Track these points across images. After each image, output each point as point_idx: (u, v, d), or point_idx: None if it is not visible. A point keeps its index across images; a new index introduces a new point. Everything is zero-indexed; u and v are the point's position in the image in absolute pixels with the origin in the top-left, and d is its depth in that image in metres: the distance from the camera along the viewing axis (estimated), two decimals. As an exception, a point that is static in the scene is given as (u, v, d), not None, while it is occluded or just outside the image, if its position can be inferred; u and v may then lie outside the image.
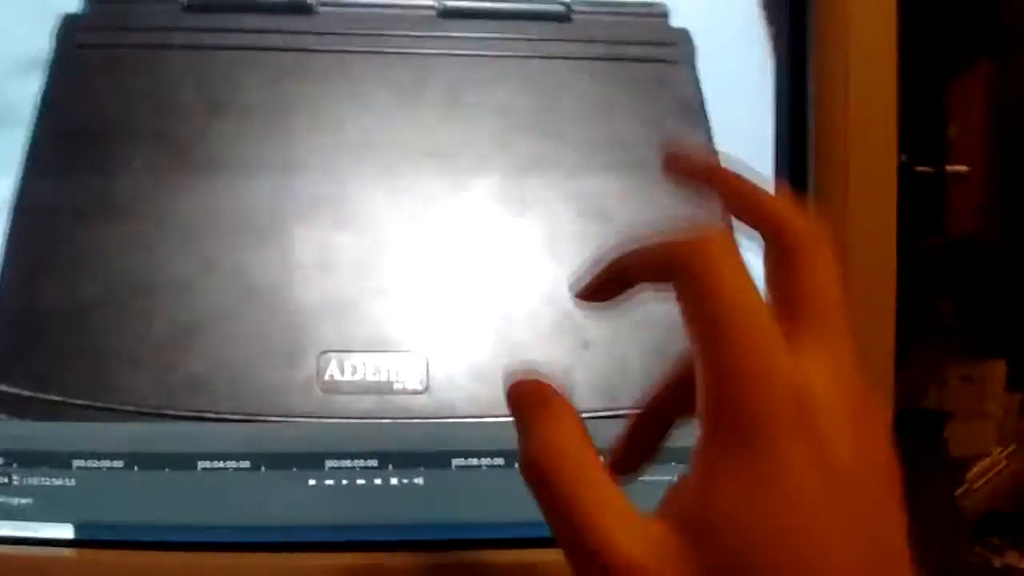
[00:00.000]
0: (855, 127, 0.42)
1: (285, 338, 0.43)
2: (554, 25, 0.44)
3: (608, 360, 0.43)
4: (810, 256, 0.24)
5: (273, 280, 0.43)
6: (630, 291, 0.26)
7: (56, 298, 0.43)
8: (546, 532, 0.22)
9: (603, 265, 0.27)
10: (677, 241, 0.24)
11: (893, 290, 0.43)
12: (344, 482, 0.43)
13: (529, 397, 0.25)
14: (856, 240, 0.42)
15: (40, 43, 0.44)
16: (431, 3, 0.44)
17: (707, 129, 0.43)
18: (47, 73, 0.44)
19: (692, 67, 0.44)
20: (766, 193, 0.26)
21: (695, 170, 0.28)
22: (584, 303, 0.27)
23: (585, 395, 0.43)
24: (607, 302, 0.27)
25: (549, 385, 0.25)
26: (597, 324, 0.43)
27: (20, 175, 0.44)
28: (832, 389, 0.22)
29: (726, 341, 0.21)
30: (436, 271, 0.43)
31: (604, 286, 0.27)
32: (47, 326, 0.43)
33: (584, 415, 0.24)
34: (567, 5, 0.44)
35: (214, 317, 0.42)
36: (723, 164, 0.29)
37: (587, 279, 0.27)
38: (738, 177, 0.27)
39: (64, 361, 0.43)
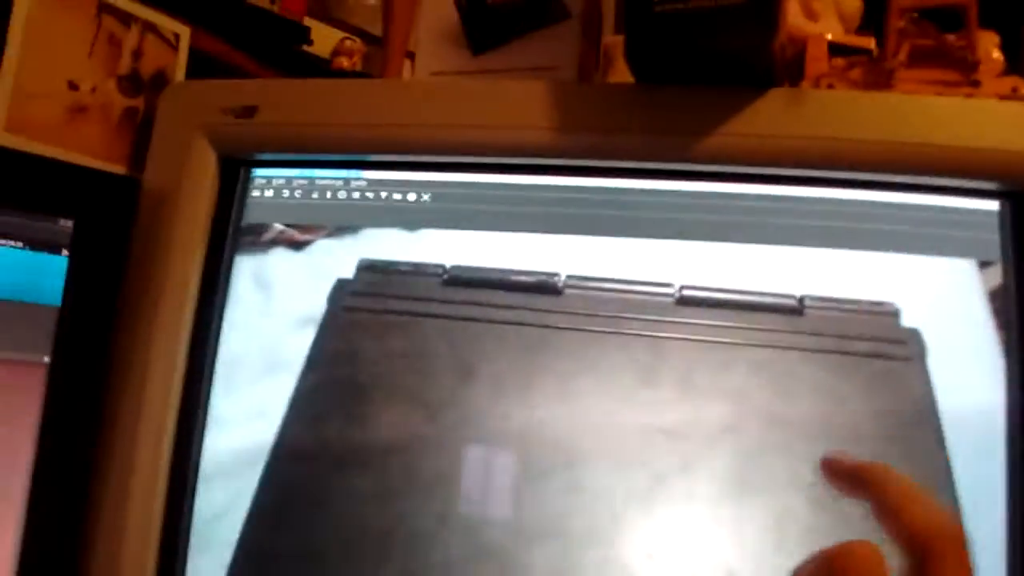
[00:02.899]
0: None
1: None
2: (786, 317, 0.46)
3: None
4: (939, 561, 0.25)
5: (504, 543, 0.45)
6: (857, 500, 0.28)
7: (298, 540, 0.47)
8: None
9: (865, 469, 0.29)
10: (925, 521, 0.27)
11: None
12: None
13: None
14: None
15: (317, 302, 0.50)
16: (670, 291, 0.47)
17: (938, 427, 0.44)
18: (318, 330, 0.49)
19: (923, 365, 0.45)
20: (910, 501, 0.28)
21: (850, 474, 0.29)
22: (825, 472, 0.31)
23: None
24: (837, 489, 0.30)
25: None
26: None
27: (282, 420, 0.49)
28: None
29: None
30: (661, 549, 0.44)
31: (848, 479, 0.30)
32: (287, 565, 0.46)
33: None
34: (800, 299, 0.46)
35: (445, 572, 0.45)
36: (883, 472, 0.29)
37: (845, 462, 0.30)
38: (889, 484, 0.28)
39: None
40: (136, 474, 0.48)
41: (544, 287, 0.48)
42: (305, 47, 0.71)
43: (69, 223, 0.49)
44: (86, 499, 0.49)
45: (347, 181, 0.53)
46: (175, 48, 0.59)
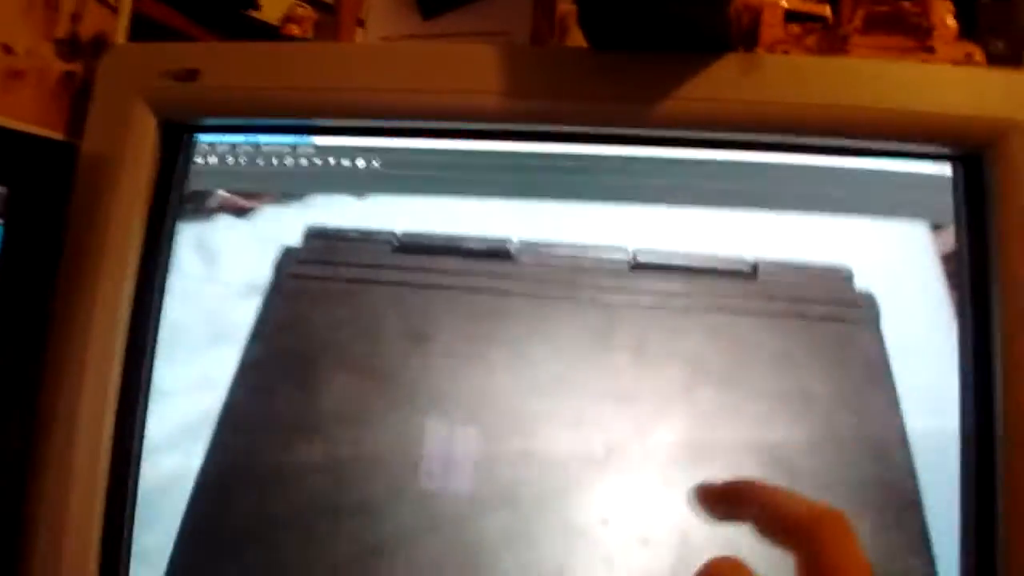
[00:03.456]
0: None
1: (465, 568, 0.43)
2: (741, 282, 0.46)
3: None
4: (828, 543, 0.26)
5: (457, 511, 0.44)
6: (737, 522, 0.29)
7: (247, 512, 0.45)
8: None
9: (734, 487, 0.28)
10: (804, 513, 0.27)
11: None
12: None
13: None
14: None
15: (263, 270, 0.48)
16: (624, 257, 0.46)
17: (892, 388, 0.44)
18: (264, 298, 0.48)
19: (877, 327, 0.45)
20: (785, 498, 0.29)
21: (722, 495, 0.29)
22: (696, 502, 0.30)
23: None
24: (714, 516, 0.30)
25: None
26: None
27: (228, 391, 0.47)
28: None
29: None
30: (615, 514, 0.44)
31: (722, 502, 0.30)
32: (236, 539, 0.45)
33: None
34: (754, 264, 0.46)
35: (398, 543, 0.44)
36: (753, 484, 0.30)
37: (714, 486, 0.30)
38: (763, 492, 0.29)
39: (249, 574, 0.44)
40: (77, 447, 0.47)
41: (497, 253, 0.47)
42: (253, 12, 0.69)
43: (3, 190, 0.47)
44: (26, 472, 0.47)
45: (294, 147, 0.51)
46: (115, 11, 0.57)
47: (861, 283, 0.45)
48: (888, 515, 0.42)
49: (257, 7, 0.69)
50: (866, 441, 0.43)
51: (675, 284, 0.46)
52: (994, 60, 0.57)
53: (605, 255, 0.47)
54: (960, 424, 0.44)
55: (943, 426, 0.43)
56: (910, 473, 0.42)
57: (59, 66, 0.54)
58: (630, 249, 0.46)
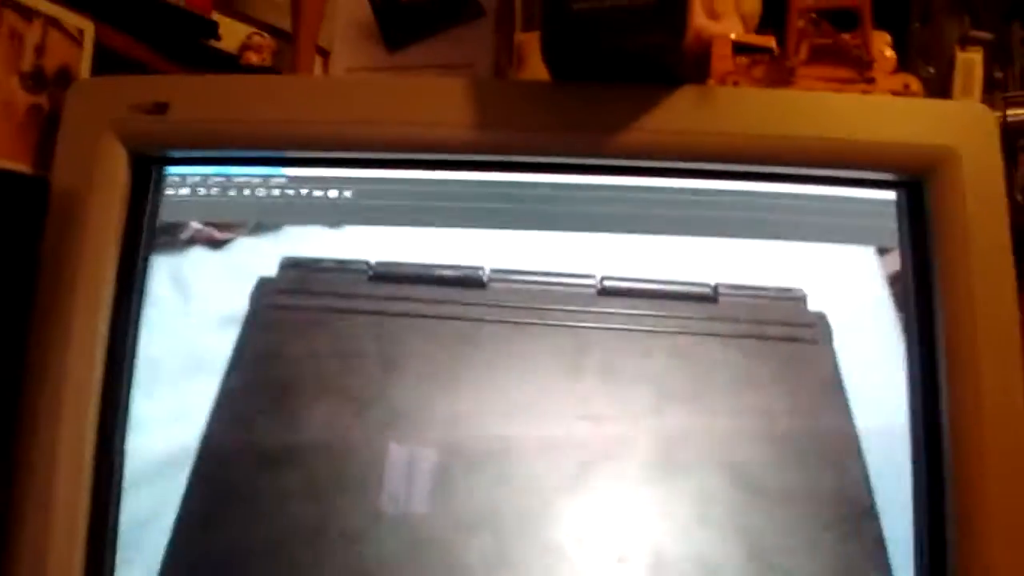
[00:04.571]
0: (989, 406, 0.45)
1: None
2: (702, 305, 0.48)
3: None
4: None
5: (436, 536, 0.45)
6: None
7: (230, 540, 0.46)
8: None
9: None
10: None
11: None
12: None
13: None
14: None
15: (239, 301, 0.49)
16: (591, 283, 0.49)
17: (845, 402, 0.47)
18: (241, 329, 0.49)
19: (830, 346, 0.48)
20: None
21: None
22: None
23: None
24: None
25: None
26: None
27: (207, 421, 0.48)
28: None
29: None
30: (588, 532, 0.46)
31: None
32: (220, 566, 0.46)
33: None
34: (714, 287, 0.49)
35: (381, 568, 0.45)
36: None
37: None
38: None
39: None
40: (57, 484, 0.47)
41: (469, 281, 0.49)
42: (213, 42, 0.70)
43: (-27, 226, 0.47)
44: (6, 510, 0.47)
45: (266, 178, 0.52)
46: (80, 44, 0.57)
47: (814, 305, 0.48)
48: (848, 526, 0.45)
49: (218, 37, 0.70)
50: (823, 455, 0.46)
51: (641, 308, 0.48)
52: (925, 84, 0.61)
53: (574, 281, 0.49)
54: (910, 432, 0.47)
55: (893, 435, 0.47)
56: (865, 482, 0.45)
57: (25, 99, 0.54)
58: (597, 275, 0.48)
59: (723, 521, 0.45)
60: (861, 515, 0.45)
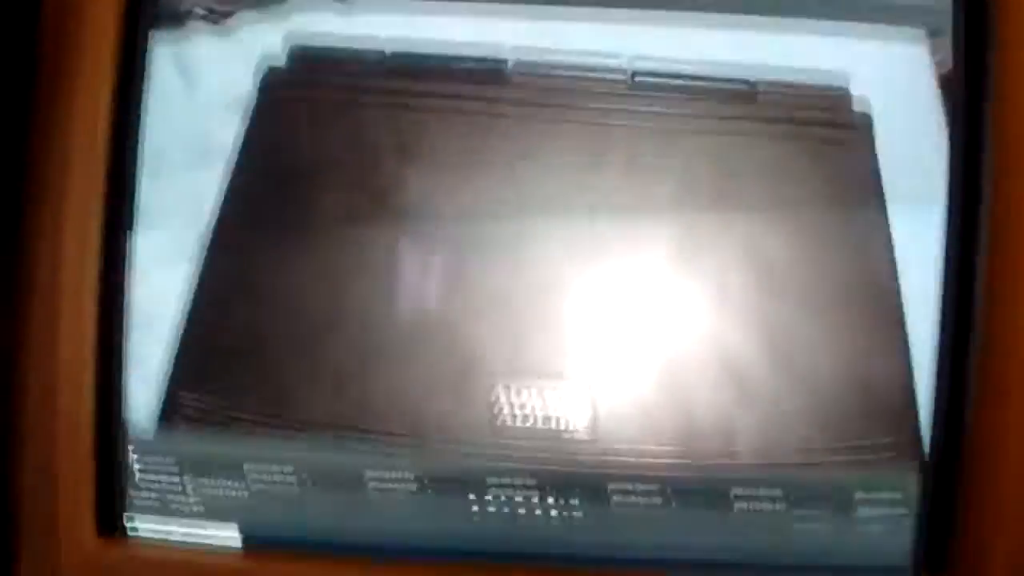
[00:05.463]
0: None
1: (458, 367, 0.45)
2: (739, 103, 0.45)
3: (769, 411, 0.45)
4: None
5: (451, 318, 0.45)
6: None
7: (243, 323, 0.46)
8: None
9: None
10: None
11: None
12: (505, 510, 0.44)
13: None
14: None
15: (246, 87, 0.47)
16: (622, 77, 0.45)
17: (882, 204, 0.44)
18: (249, 118, 0.46)
19: (871, 147, 0.45)
20: None
21: None
22: None
23: (743, 444, 0.44)
24: None
25: None
26: (761, 376, 0.44)
27: (217, 211, 0.46)
28: None
29: None
30: (607, 314, 0.46)
31: None
32: (234, 347, 0.46)
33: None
34: (752, 83, 0.45)
35: (393, 348, 0.45)
36: None
37: None
38: None
39: (247, 379, 0.46)
40: (64, 270, 0.45)
41: (492, 74, 0.46)
42: None
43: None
44: (14, 302, 0.46)
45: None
46: None
47: (858, 103, 0.45)
48: (868, 315, 0.44)
49: None
50: (852, 249, 0.44)
51: (673, 106, 0.45)
52: None
53: (603, 76, 0.46)
54: (944, 239, 0.44)
55: (928, 239, 0.45)
56: (892, 277, 0.44)
57: None
58: (628, 64, 0.45)
59: (740, 305, 0.45)
60: (885, 307, 0.44)
